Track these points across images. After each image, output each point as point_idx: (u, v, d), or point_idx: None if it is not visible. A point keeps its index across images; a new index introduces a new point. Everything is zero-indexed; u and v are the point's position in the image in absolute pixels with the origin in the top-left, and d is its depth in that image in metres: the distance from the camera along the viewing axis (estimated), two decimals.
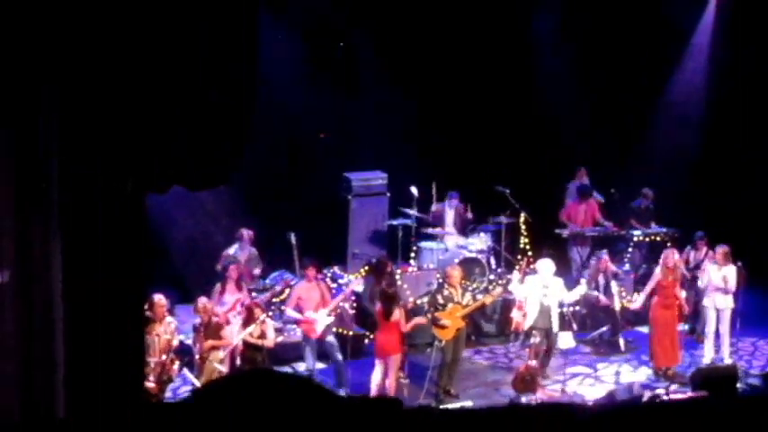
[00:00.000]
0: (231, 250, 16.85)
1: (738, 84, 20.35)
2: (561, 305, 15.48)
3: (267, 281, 17.04)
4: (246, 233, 16.90)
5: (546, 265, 15.55)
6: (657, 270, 16.20)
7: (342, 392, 14.81)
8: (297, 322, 15.39)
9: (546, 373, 15.51)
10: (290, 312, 15.24)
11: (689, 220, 18.79)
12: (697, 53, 21.18)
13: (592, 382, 15.71)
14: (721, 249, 16.35)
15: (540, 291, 15.33)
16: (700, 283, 16.66)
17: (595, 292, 16.91)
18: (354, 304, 16.89)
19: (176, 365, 13.96)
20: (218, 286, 15.62)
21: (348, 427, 4.38)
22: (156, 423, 4.58)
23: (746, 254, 16.93)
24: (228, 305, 15.26)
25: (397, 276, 16.95)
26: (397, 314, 14.53)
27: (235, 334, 14.60)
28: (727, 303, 16.37)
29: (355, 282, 15.78)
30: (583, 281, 16.56)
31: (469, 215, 18.81)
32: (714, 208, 19.89)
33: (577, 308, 16.30)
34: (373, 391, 14.53)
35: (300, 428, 4.31)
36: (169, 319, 14.19)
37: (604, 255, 17.29)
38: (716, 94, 20.92)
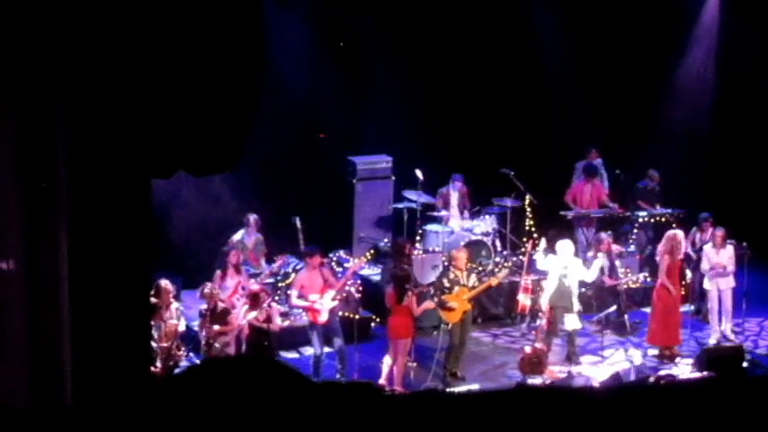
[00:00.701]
0: (238, 236, 16.85)
1: (746, 65, 20.31)
2: (580, 286, 15.56)
3: (273, 266, 17.03)
4: (253, 218, 16.91)
5: (566, 246, 15.59)
6: (660, 250, 16.27)
7: (340, 377, 14.85)
8: (303, 309, 15.39)
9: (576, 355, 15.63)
10: (294, 300, 15.23)
11: (695, 200, 18.76)
12: (704, 33, 21.10)
13: (598, 363, 15.70)
14: (720, 232, 16.47)
15: (559, 271, 15.37)
16: (703, 266, 16.67)
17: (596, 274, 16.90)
18: (360, 288, 16.89)
19: (183, 351, 13.99)
20: (218, 272, 15.65)
21: (321, 413, 4.37)
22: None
23: (752, 234, 16.95)
24: (230, 290, 15.29)
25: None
26: (409, 297, 14.56)
27: (240, 317, 14.61)
28: (728, 284, 16.55)
29: (356, 264, 15.71)
30: (600, 255, 16.59)
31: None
32: (720, 189, 19.88)
33: (583, 289, 16.31)
34: (384, 372, 14.57)
35: (272, 414, 4.31)
36: (175, 304, 14.24)
37: (605, 236, 17.26)
38: (723, 77, 20.89)
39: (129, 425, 4.36)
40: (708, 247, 16.66)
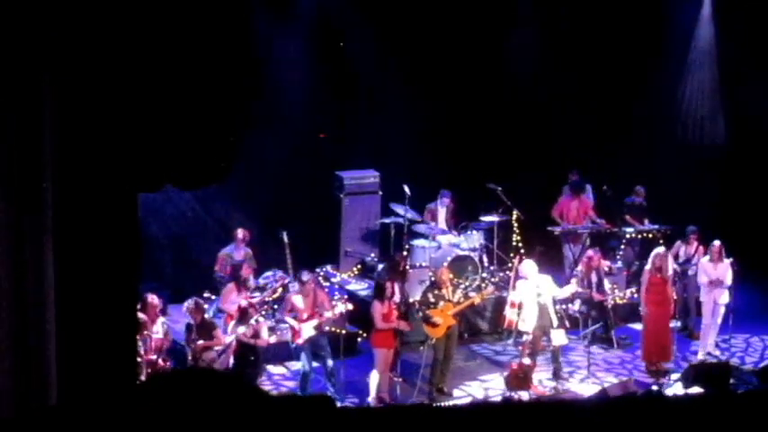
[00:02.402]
0: (227, 250, 16.82)
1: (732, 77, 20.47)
2: (555, 302, 15.57)
3: (260, 280, 17.00)
4: (242, 233, 16.87)
5: (531, 267, 15.66)
6: (646, 267, 16.29)
7: (331, 391, 14.83)
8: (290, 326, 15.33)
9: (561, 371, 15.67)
10: (287, 319, 15.15)
11: (682, 216, 18.79)
12: (700, 57, 21.20)
13: (585, 379, 15.70)
14: (717, 246, 16.48)
15: (532, 292, 15.39)
16: (701, 280, 16.66)
17: (587, 289, 16.90)
18: (350, 304, 16.83)
19: (168, 365, 13.94)
20: (230, 286, 15.62)
21: (277, 426, 4.38)
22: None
23: (739, 251, 17.00)
24: (236, 304, 15.17)
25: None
26: (388, 307, 14.58)
27: (228, 333, 14.57)
28: (725, 299, 16.55)
29: (343, 307, 15.57)
30: (573, 281, 16.64)
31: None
32: (707, 205, 19.93)
33: (580, 307, 16.43)
34: (372, 389, 14.56)
35: (228, 427, 4.32)
36: (161, 319, 14.21)
37: (594, 253, 17.26)
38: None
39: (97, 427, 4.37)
40: (705, 261, 16.67)
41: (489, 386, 15.68)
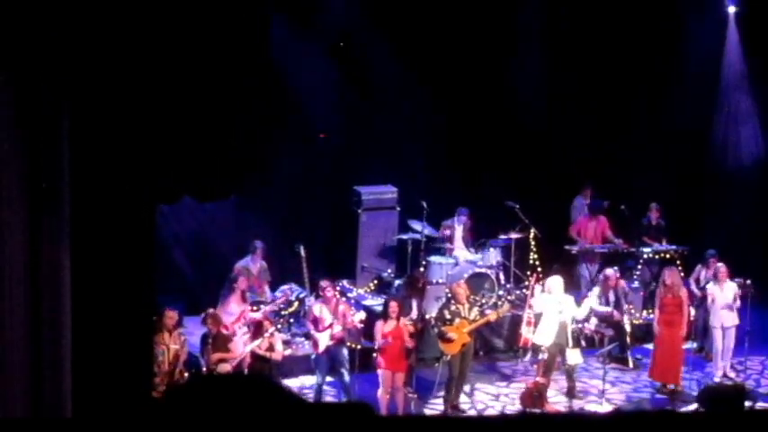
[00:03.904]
0: (243, 262, 16.86)
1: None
2: (574, 321, 15.57)
3: (277, 293, 17.02)
4: (259, 245, 16.91)
5: (557, 283, 15.63)
6: (657, 288, 16.27)
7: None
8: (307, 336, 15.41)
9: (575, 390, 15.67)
10: (309, 324, 15.24)
11: (701, 237, 18.75)
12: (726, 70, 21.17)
13: (599, 399, 15.66)
14: (722, 267, 16.45)
15: (555, 308, 15.38)
16: (709, 302, 16.63)
17: (608, 308, 16.87)
18: (363, 318, 16.85)
19: (185, 377, 13.98)
20: (229, 297, 15.67)
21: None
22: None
23: (755, 272, 16.93)
24: (234, 316, 15.27)
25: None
26: (400, 325, 14.62)
27: (241, 346, 14.62)
28: (733, 321, 16.46)
29: (358, 317, 15.61)
30: (591, 294, 16.63)
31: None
32: (722, 225, 19.87)
33: (596, 326, 16.45)
34: (382, 405, 14.57)
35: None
36: (179, 330, 14.24)
37: (612, 272, 17.24)
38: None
39: None
40: (710, 285, 16.63)
41: (504, 404, 15.66)
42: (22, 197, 8.52)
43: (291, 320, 16.41)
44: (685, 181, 20.71)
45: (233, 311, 15.39)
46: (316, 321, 14.97)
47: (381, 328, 14.74)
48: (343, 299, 16.47)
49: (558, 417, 7.29)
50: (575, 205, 19.86)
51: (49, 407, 8.57)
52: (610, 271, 17.39)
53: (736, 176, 20.84)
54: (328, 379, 15.14)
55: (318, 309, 15.03)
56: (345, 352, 15.08)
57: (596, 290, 17.09)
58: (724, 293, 16.41)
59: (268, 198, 18.06)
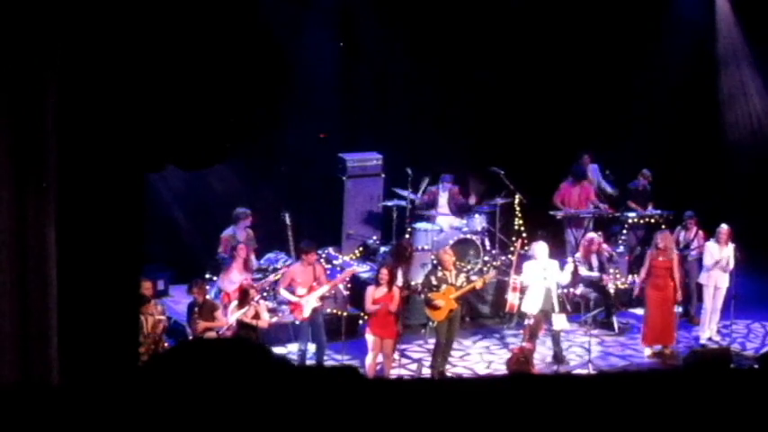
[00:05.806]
0: (229, 231, 16.79)
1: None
2: (559, 286, 15.60)
3: (262, 262, 17.00)
4: (244, 213, 16.83)
5: (542, 248, 15.65)
6: (649, 250, 16.30)
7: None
8: (288, 302, 15.40)
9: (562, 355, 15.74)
10: (283, 293, 15.26)
11: (685, 201, 18.77)
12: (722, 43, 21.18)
13: (585, 364, 15.71)
14: (725, 229, 16.48)
15: (540, 274, 15.41)
16: (706, 262, 16.66)
17: (595, 273, 16.91)
18: (349, 285, 16.87)
19: (166, 346, 13.95)
20: (232, 265, 15.67)
21: (302, 396, 4.37)
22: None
23: (742, 236, 16.98)
24: (236, 284, 15.21)
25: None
26: (390, 292, 14.64)
27: (229, 314, 14.60)
28: (725, 282, 16.53)
29: (351, 270, 15.67)
30: (570, 259, 16.66)
31: (472, 200, 18.81)
32: (709, 190, 19.91)
33: (582, 291, 16.50)
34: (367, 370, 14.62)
35: (254, 395, 4.30)
36: (155, 300, 14.21)
37: (595, 237, 17.28)
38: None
39: (114, 401, 4.36)
40: (711, 243, 16.65)
41: (491, 369, 15.70)
42: (8, 170, 8.45)
43: (276, 288, 16.39)
44: (678, 148, 20.70)
45: (235, 280, 15.37)
46: (291, 285, 14.99)
47: (372, 294, 14.75)
48: (328, 269, 16.47)
49: (546, 378, 7.30)
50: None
51: (37, 378, 8.55)
52: (592, 234, 17.45)
53: (729, 145, 20.87)
54: (311, 347, 15.17)
55: (298, 270, 15.05)
56: (321, 319, 15.14)
57: (578, 255, 17.14)
58: (723, 253, 16.46)
59: (252, 165, 17.96)
